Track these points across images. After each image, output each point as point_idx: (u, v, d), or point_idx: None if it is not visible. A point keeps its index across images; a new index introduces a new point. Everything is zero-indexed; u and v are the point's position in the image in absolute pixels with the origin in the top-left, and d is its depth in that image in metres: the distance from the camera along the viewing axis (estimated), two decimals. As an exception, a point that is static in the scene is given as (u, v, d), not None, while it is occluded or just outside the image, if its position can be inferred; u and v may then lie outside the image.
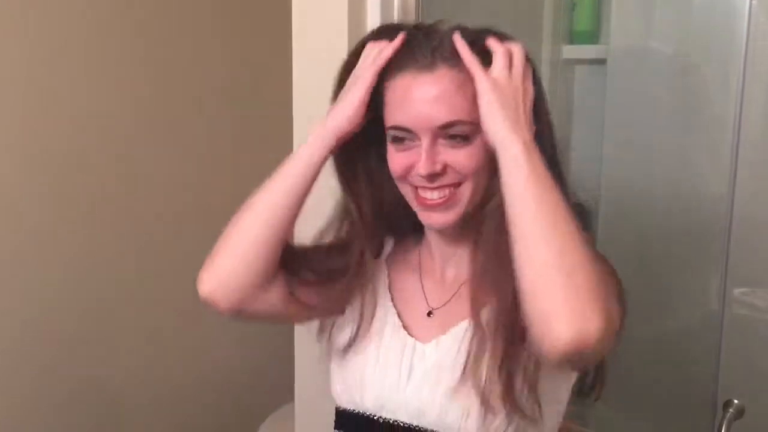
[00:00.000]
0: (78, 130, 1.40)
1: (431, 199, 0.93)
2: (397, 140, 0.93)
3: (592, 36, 2.07)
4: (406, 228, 1.06)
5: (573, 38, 2.09)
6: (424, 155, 0.90)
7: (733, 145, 1.59)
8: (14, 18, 1.30)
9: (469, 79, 0.88)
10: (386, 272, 1.05)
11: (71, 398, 1.43)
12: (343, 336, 1.02)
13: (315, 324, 1.08)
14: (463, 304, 0.96)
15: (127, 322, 1.47)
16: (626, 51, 1.83)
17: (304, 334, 1.26)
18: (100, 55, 1.42)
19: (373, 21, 1.38)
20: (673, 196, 1.72)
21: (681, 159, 1.72)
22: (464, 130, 0.90)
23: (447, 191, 0.92)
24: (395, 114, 0.92)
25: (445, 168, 0.91)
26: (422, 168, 0.90)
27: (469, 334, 0.93)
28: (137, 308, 1.50)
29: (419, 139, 0.91)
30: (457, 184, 0.92)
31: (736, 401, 1.37)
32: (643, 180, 1.80)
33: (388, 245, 1.08)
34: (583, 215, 2.15)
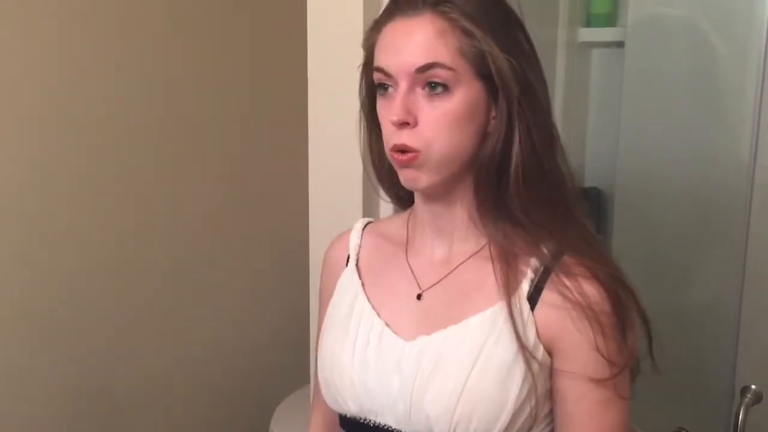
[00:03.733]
0: (85, 132, 1.41)
1: (401, 147, 0.86)
2: (382, 88, 0.89)
3: (610, 18, 2.04)
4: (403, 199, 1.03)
5: (590, 20, 2.07)
6: (397, 99, 0.86)
7: (753, 129, 1.57)
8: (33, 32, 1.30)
9: (454, 27, 0.85)
10: (357, 278, 1.00)
11: (79, 398, 1.45)
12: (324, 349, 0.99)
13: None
14: (453, 301, 0.92)
15: (137, 313, 1.49)
16: (645, 34, 1.81)
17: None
18: (101, 57, 1.43)
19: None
20: (692, 179, 1.71)
21: (700, 144, 1.70)
22: (444, 77, 0.85)
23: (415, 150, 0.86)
24: (378, 57, 0.89)
25: (416, 122, 0.86)
26: (393, 113, 0.86)
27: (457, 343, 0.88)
28: (146, 300, 1.52)
29: (399, 85, 0.87)
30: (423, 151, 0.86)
31: (753, 387, 1.36)
32: (660, 164, 1.78)
33: (354, 242, 1.04)
34: (598, 199, 2.15)
